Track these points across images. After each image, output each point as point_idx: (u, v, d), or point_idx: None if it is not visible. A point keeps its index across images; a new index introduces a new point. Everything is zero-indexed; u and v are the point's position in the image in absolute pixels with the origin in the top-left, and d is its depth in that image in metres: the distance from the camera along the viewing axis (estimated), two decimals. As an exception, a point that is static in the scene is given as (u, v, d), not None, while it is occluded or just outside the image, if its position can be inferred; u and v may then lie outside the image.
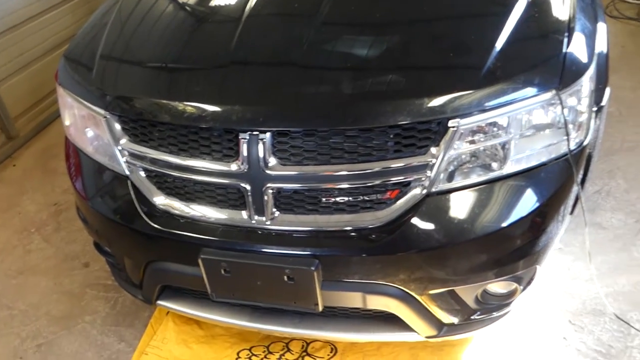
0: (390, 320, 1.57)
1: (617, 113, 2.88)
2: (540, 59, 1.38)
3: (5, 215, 2.77)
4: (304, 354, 1.87)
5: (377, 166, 1.34)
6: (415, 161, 1.33)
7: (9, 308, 2.23)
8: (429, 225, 1.37)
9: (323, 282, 1.42)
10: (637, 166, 2.51)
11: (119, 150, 1.58)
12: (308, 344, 1.89)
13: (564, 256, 2.11)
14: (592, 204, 2.34)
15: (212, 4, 1.84)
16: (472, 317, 1.58)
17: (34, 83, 3.44)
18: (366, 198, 1.40)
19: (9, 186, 3.02)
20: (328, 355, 1.86)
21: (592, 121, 1.51)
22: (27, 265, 2.44)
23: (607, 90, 1.63)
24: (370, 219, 1.40)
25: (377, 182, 1.36)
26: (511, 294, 1.58)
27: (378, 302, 1.49)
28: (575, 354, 1.78)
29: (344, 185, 1.38)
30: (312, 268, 1.37)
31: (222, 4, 1.81)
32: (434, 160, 1.33)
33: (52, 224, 2.67)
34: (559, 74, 1.33)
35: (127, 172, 1.59)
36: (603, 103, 1.59)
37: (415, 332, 1.56)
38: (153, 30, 1.79)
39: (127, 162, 1.58)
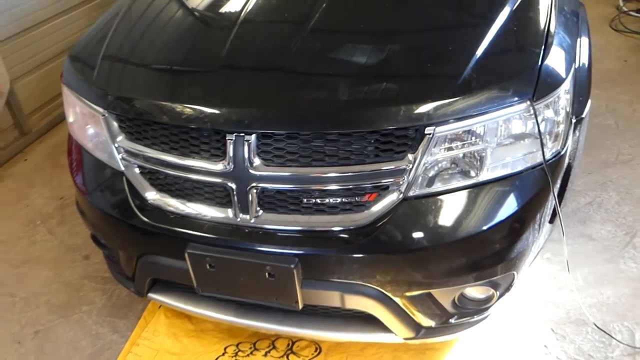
0: (369, 321, 1.61)
1: (614, 126, 2.90)
2: (516, 70, 1.43)
3: (14, 208, 2.87)
4: (289, 352, 1.92)
5: (356, 169, 1.40)
6: (392, 166, 1.39)
7: (12, 295, 2.32)
8: (405, 228, 1.42)
9: (303, 280, 1.48)
10: (630, 179, 2.53)
11: (116, 147, 1.65)
12: (294, 343, 1.95)
13: (551, 266, 2.14)
14: (583, 215, 2.36)
15: (210, 11, 1.91)
16: (450, 321, 1.62)
17: (48, 81, 3.55)
18: (345, 200, 1.45)
19: (19, 180, 3.12)
20: (312, 354, 1.91)
21: (571, 132, 1.55)
22: (30, 256, 2.53)
23: (589, 103, 1.66)
24: (349, 220, 1.45)
25: (356, 184, 1.42)
26: (488, 300, 1.62)
27: (356, 302, 1.53)
28: (555, 361, 1.82)
29: (325, 187, 1.44)
30: (292, 266, 1.42)
31: (219, 11, 1.89)
32: (410, 166, 1.38)
33: (58, 217, 2.77)
34: (534, 85, 1.38)
35: (123, 168, 1.66)
36: (584, 115, 1.62)
37: (393, 333, 1.61)
38: (153, 34, 1.87)
39: (122, 158, 1.65)
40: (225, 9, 1.88)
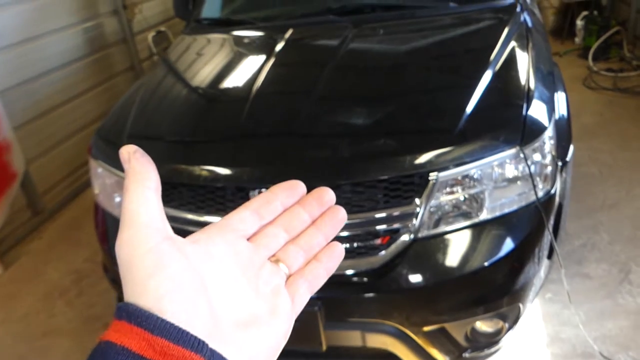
0: (388, 360, 1.71)
1: (598, 174, 3.10)
2: (504, 121, 1.62)
3: (31, 284, 2.96)
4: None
5: (369, 216, 1.55)
6: (401, 210, 1.54)
7: (34, 367, 2.37)
8: (417, 267, 1.56)
9: (326, 322, 1.59)
10: (618, 221, 2.70)
11: (144, 211, 1.80)
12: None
13: (553, 304, 2.25)
14: (578, 256, 2.50)
15: (224, 86, 2.13)
16: (464, 355, 1.72)
17: (60, 161, 3.74)
18: (361, 245, 1.60)
19: (34, 257, 3.23)
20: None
21: (559, 174, 1.73)
22: (51, 328, 2.60)
23: (571, 148, 1.86)
24: (365, 262, 1.59)
25: (370, 229, 1.57)
26: (498, 332, 1.73)
27: (377, 340, 1.64)
28: (567, 393, 1.90)
29: (341, 234, 1.59)
30: (316, 308, 1.54)
31: (232, 86, 2.10)
32: (418, 209, 1.54)
33: (75, 290, 2.85)
34: (521, 132, 1.57)
35: (151, 230, 1.80)
36: (568, 159, 1.81)
37: (412, 370, 1.70)
38: (173, 110, 2.07)
39: (151, 221, 1.79)
40: (237, 84, 2.10)
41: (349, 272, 1.59)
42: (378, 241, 1.59)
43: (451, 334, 1.65)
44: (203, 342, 0.36)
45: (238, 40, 2.48)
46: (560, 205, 1.77)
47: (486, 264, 1.55)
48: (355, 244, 1.59)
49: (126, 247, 0.39)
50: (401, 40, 2.22)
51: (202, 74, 2.21)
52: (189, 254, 0.41)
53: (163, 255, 0.39)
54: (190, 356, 0.35)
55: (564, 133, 1.83)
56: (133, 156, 0.42)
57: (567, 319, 2.18)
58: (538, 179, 1.63)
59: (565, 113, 1.88)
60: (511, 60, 1.85)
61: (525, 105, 1.63)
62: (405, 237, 1.56)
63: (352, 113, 1.75)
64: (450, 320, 1.61)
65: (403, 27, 2.28)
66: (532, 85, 1.72)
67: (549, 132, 1.64)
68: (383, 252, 1.57)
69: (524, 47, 1.94)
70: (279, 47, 2.18)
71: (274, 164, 1.64)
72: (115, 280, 1.98)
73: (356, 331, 1.62)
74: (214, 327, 0.39)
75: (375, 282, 1.56)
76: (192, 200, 1.72)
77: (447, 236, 1.57)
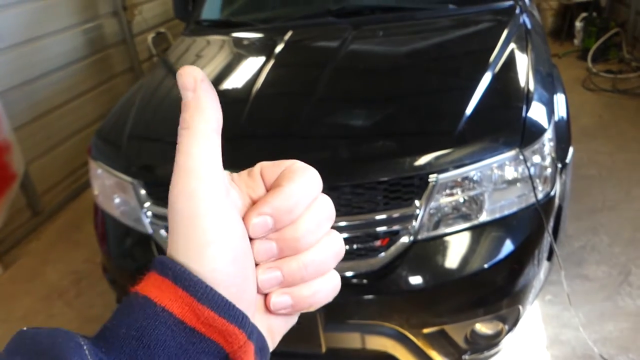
0: (388, 363, 1.71)
1: (597, 175, 3.10)
2: (504, 123, 1.62)
3: (30, 284, 2.96)
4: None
5: (369, 217, 1.55)
6: (401, 212, 1.54)
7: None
8: (417, 269, 1.55)
9: (325, 324, 1.59)
10: (618, 223, 2.70)
11: (144, 212, 1.80)
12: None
13: (553, 306, 2.25)
14: (578, 258, 2.50)
15: (223, 87, 2.13)
16: (463, 357, 1.72)
17: (60, 162, 3.74)
18: (361, 246, 1.59)
19: (34, 257, 3.22)
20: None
21: (558, 176, 1.73)
22: (50, 329, 2.59)
23: (571, 150, 1.86)
24: (365, 264, 1.58)
25: (370, 231, 1.57)
26: (498, 334, 1.73)
27: (376, 342, 1.64)
28: (566, 395, 1.90)
29: (342, 236, 1.58)
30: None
31: (232, 88, 2.10)
32: (417, 211, 1.54)
33: (74, 291, 2.85)
34: (520, 134, 1.57)
35: (151, 231, 1.80)
36: (567, 161, 1.81)
37: (412, 373, 1.70)
38: (173, 111, 2.07)
39: (150, 222, 1.80)
40: (237, 86, 2.10)
41: (349, 273, 1.59)
42: (378, 243, 1.59)
43: (451, 336, 1.65)
44: (246, 317, 0.35)
45: (238, 42, 2.48)
46: (560, 207, 1.77)
47: (486, 266, 1.55)
48: (355, 246, 1.59)
49: (188, 199, 0.35)
50: (401, 42, 2.22)
51: (202, 76, 2.20)
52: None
53: (226, 217, 0.35)
54: (233, 330, 0.34)
55: (564, 135, 1.83)
56: (199, 85, 0.37)
57: (566, 321, 2.18)
58: (538, 180, 1.63)
59: (564, 115, 1.89)
60: (510, 62, 1.86)
61: (524, 107, 1.63)
62: (405, 239, 1.56)
63: (352, 115, 1.75)
64: (450, 322, 1.61)
65: (402, 29, 2.29)
66: (531, 87, 1.72)
67: (549, 134, 1.64)
68: (383, 254, 1.57)
69: (523, 49, 1.94)
70: (278, 48, 2.18)
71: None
72: (114, 281, 1.98)
73: (356, 333, 1.62)
74: (254, 300, 0.37)
75: (375, 284, 1.56)
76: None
77: (447, 238, 1.57)
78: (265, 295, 0.39)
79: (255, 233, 0.37)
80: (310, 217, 0.39)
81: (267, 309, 0.39)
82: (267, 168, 0.41)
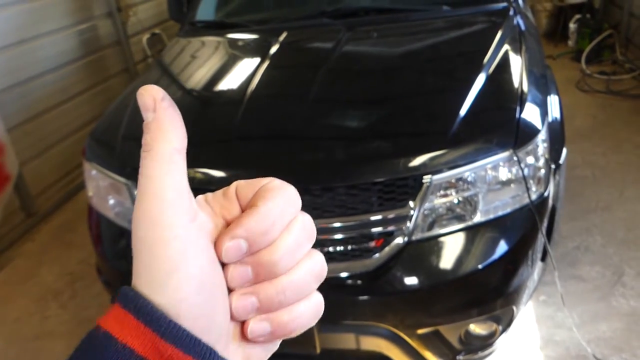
0: (382, 363, 1.71)
1: (591, 176, 3.12)
2: (498, 124, 1.63)
3: (24, 286, 2.95)
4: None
5: (363, 218, 1.56)
6: (395, 213, 1.55)
7: (27, 371, 2.36)
8: (411, 270, 1.56)
9: (320, 325, 1.59)
10: (612, 223, 2.71)
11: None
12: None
13: (547, 307, 2.26)
14: (572, 259, 2.51)
15: (218, 88, 2.13)
16: (457, 357, 1.72)
17: (54, 163, 3.72)
18: (355, 247, 1.60)
19: (28, 259, 3.21)
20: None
21: (552, 177, 1.74)
22: (44, 330, 2.58)
23: (564, 151, 1.86)
24: (360, 265, 1.59)
25: (364, 232, 1.57)
26: (492, 335, 1.73)
27: (370, 343, 1.64)
28: (560, 396, 1.90)
29: (336, 236, 1.59)
30: (310, 311, 1.54)
31: (226, 89, 2.10)
32: (412, 212, 1.54)
33: (68, 292, 2.84)
34: (514, 135, 1.58)
35: (145, 232, 1.79)
36: (561, 161, 1.82)
37: (406, 373, 1.70)
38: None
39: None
40: (232, 87, 2.10)
41: (343, 274, 1.59)
42: (372, 244, 1.59)
43: (445, 336, 1.66)
44: (213, 352, 0.33)
45: (232, 43, 2.48)
46: (554, 208, 1.78)
47: (480, 266, 1.56)
48: (349, 247, 1.60)
49: (149, 226, 0.33)
50: (395, 43, 2.23)
51: (197, 77, 2.21)
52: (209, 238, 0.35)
53: (189, 245, 0.33)
54: None
55: (557, 136, 1.83)
56: (160, 104, 0.35)
57: (560, 321, 2.18)
58: (531, 181, 1.64)
59: (558, 116, 1.89)
60: (504, 63, 1.86)
61: (518, 108, 1.64)
62: (399, 240, 1.57)
63: (346, 116, 1.76)
64: (444, 323, 1.61)
65: (397, 30, 2.29)
66: (525, 88, 1.73)
67: (542, 135, 1.65)
68: (377, 255, 1.58)
69: (517, 50, 1.95)
70: (273, 49, 2.18)
71: (268, 166, 1.64)
72: (108, 283, 1.97)
73: (350, 334, 1.62)
74: (226, 329, 0.35)
75: (369, 285, 1.56)
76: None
77: (441, 239, 1.58)
78: (243, 323, 0.36)
79: (229, 258, 0.35)
80: (288, 239, 0.36)
81: (245, 337, 0.36)
82: (243, 187, 0.38)
